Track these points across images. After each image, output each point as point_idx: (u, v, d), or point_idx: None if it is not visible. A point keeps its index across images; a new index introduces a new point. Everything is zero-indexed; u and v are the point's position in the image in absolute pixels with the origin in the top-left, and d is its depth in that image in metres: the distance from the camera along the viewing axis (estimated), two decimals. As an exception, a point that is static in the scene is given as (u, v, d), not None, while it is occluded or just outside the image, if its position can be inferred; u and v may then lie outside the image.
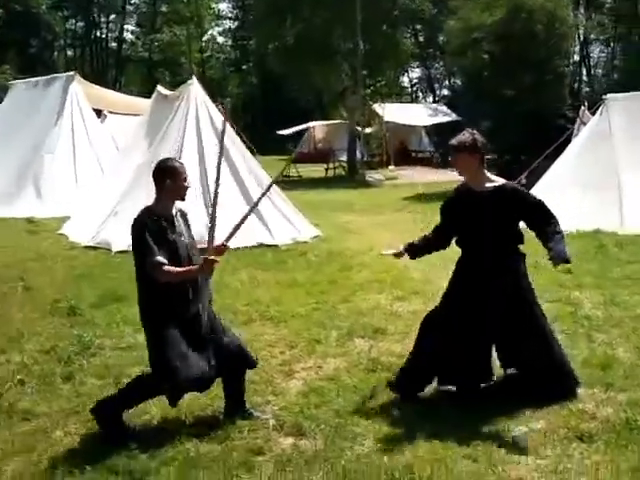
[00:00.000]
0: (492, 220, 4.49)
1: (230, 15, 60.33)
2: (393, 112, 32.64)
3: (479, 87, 19.74)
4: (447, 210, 4.77)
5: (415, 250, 4.92)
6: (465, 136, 4.53)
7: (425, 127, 36.92)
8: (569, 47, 21.92)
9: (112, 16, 57.63)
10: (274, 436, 4.21)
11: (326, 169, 28.49)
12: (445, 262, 9.30)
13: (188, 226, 4.43)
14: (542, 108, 17.85)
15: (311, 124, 38.53)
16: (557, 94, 19.42)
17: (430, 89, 53.38)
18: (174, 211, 4.34)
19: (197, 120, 11.07)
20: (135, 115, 21.10)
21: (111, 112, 19.70)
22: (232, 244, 10.12)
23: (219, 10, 59.97)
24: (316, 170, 29.30)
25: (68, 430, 4.35)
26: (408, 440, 4.06)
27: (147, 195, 11.01)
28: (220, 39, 61.40)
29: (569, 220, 11.06)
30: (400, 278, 8.25)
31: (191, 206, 10.51)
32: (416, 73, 54.04)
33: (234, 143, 11.30)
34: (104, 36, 58.35)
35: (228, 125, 11.47)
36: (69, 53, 59.08)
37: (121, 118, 19.70)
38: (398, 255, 4.96)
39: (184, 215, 4.45)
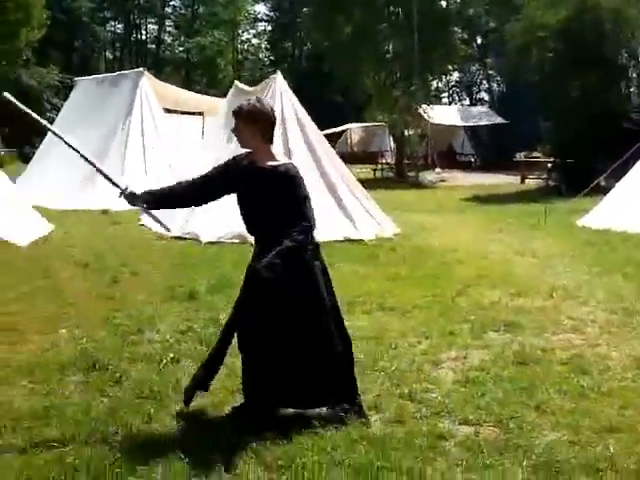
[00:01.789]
0: (263, 201, 3.96)
1: (266, 18, 60.64)
2: (437, 114, 32.55)
3: (541, 86, 19.45)
4: (226, 166, 4.15)
5: (153, 199, 4.08)
6: (246, 102, 4.05)
7: (466, 130, 36.81)
8: (637, 47, 21.57)
9: (151, 18, 58.25)
10: (449, 424, 4.18)
11: (374, 170, 28.47)
12: (545, 260, 9.33)
13: None
14: (608, 109, 17.57)
15: (348, 126, 38.70)
16: (622, 95, 19.10)
17: (467, 92, 53.12)
18: None
19: (282, 114, 11.06)
20: (193, 114, 21.27)
21: (168, 110, 19.85)
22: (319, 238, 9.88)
23: (255, 12, 60.24)
24: (359, 171, 29.19)
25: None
26: (598, 433, 3.99)
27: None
28: (254, 41, 61.80)
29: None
30: (505, 274, 8.21)
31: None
32: (452, 76, 53.75)
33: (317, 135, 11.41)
34: (143, 38, 58.96)
35: (306, 115, 11.62)
36: (108, 54, 59.81)
37: (177, 117, 19.91)
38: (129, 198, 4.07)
39: None
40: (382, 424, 4.13)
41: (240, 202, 4.15)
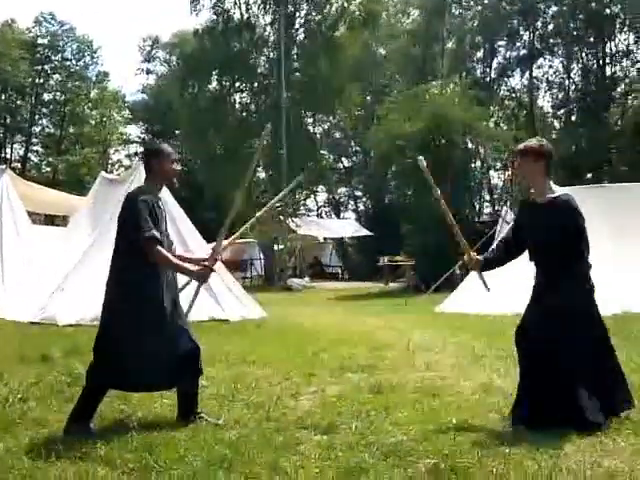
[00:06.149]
0: (546, 234, 4.36)
1: (138, 140, 61.31)
2: (304, 226, 33.71)
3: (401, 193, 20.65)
4: (518, 216, 4.88)
5: (490, 262, 4.79)
6: (531, 142, 4.48)
7: (333, 243, 38.25)
8: (486, 157, 23.76)
9: (17, 137, 57.31)
10: (305, 433, 4.24)
11: (244, 278, 28.66)
12: (403, 330, 9.69)
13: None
14: (460, 214, 18.88)
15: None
16: (473, 200, 20.70)
17: (335, 211, 55.45)
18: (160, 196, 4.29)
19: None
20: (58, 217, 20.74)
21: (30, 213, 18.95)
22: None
23: (127, 134, 60.83)
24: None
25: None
26: (444, 432, 4.19)
27: (94, 274, 10.83)
28: (126, 162, 61.94)
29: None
30: (365, 337, 8.60)
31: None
32: (321, 196, 56.18)
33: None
34: (8, 157, 57.59)
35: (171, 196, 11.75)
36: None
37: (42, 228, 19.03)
38: (475, 264, 4.74)
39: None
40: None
41: (528, 236, 4.52)
